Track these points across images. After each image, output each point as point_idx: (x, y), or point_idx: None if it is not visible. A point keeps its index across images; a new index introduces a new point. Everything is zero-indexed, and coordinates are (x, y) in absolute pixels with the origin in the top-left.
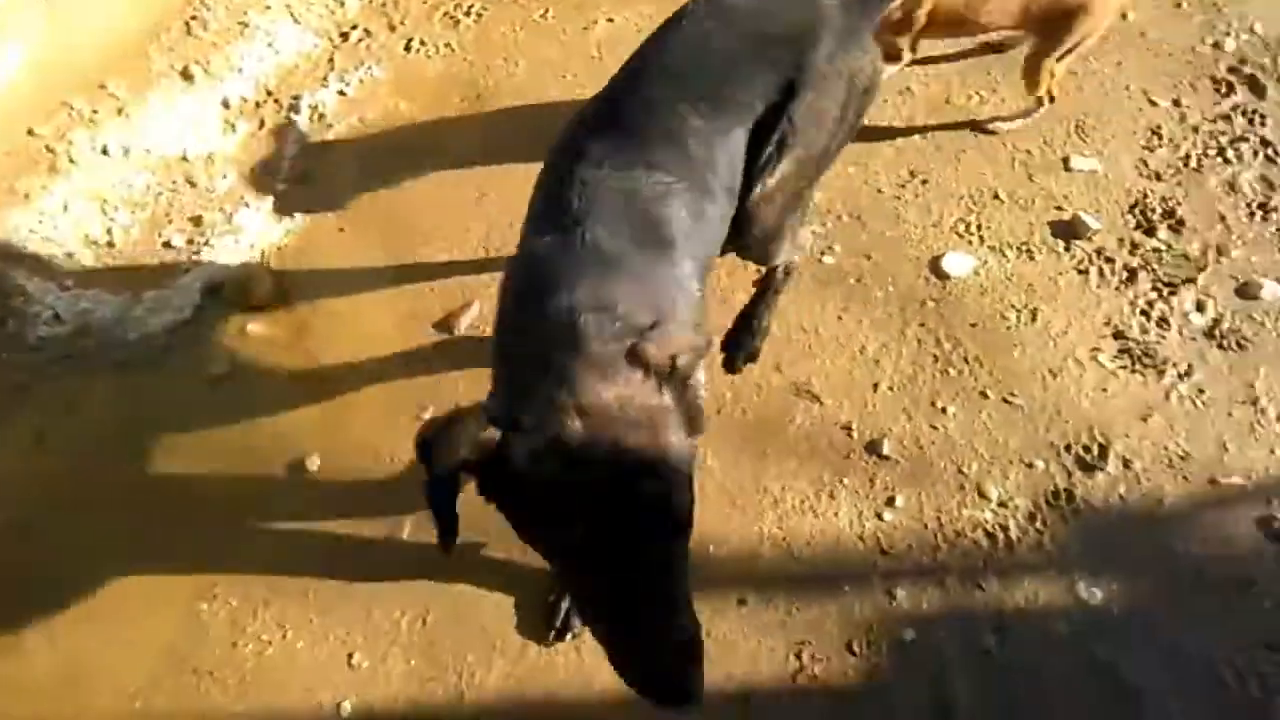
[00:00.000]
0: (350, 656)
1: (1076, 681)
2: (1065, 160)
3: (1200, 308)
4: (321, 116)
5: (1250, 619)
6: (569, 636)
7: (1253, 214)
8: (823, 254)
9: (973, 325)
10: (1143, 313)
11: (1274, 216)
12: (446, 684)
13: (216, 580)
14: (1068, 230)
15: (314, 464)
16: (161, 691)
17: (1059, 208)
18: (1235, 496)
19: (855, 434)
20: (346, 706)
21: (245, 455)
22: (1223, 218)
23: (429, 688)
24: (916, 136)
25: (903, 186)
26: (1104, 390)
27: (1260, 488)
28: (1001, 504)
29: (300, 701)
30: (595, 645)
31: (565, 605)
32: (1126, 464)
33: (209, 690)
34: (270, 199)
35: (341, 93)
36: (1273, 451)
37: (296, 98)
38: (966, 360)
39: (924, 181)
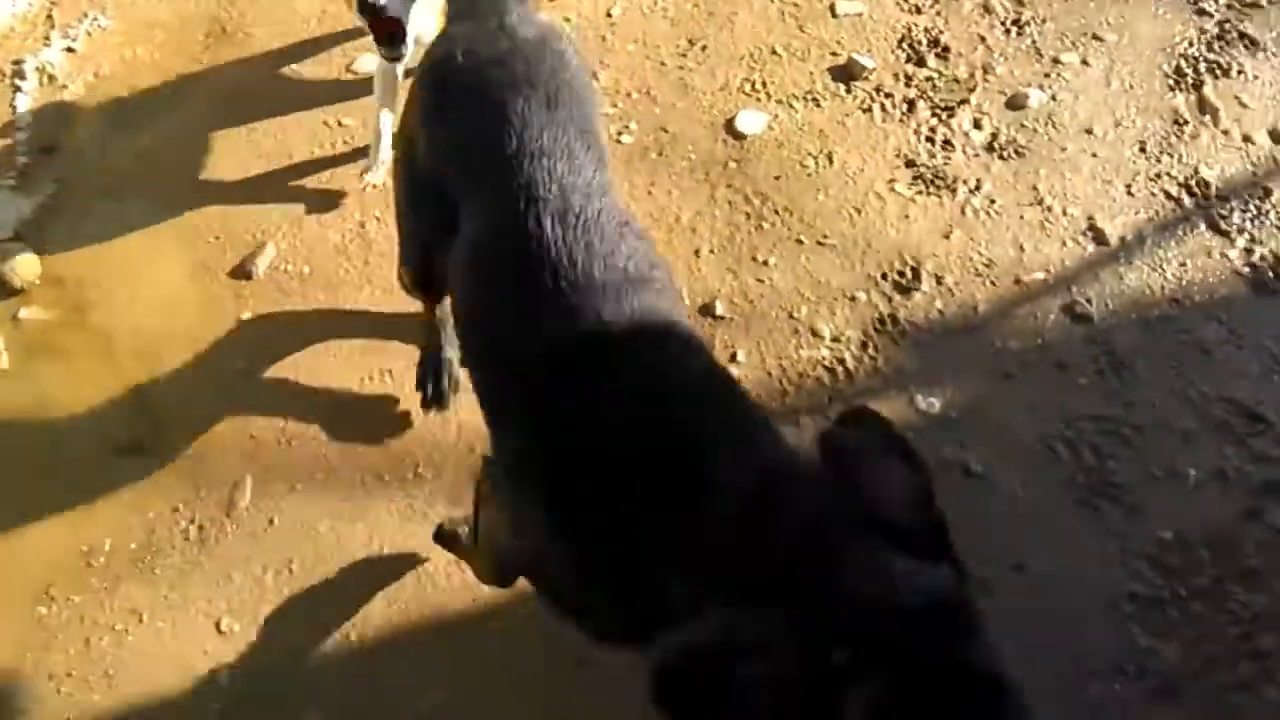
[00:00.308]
0: (218, 624)
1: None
2: (831, 7)
3: (978, 125)
4: (52, 78)
5: (1072, 397)
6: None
7: (1008, 30)
8: (620, 134)
9: (776, 178)
10: (928, 139)
11: (1027, 30)
12: (330, 630)
13: (50, 580)
14: (845, 73)
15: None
16: (16, 710)
17: (834, 53)
18: (1040, 290)
19: (688, 301)
20: (225, 674)
21: (53, 448)
22: (982, 39)
23: (312, 637)
24: (687, 5)
25: (684, 56)
26: (906, 217)
27: (1060, 278)
28: (835, 339)
29: (177, 681)
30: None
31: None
32: (939, 280)
33: (73, 693)
34: (14, 175)
35: (69, 49)
36: (1064, 244)
37: (19, 63)
38: (777, 212)
39: (703, 48)
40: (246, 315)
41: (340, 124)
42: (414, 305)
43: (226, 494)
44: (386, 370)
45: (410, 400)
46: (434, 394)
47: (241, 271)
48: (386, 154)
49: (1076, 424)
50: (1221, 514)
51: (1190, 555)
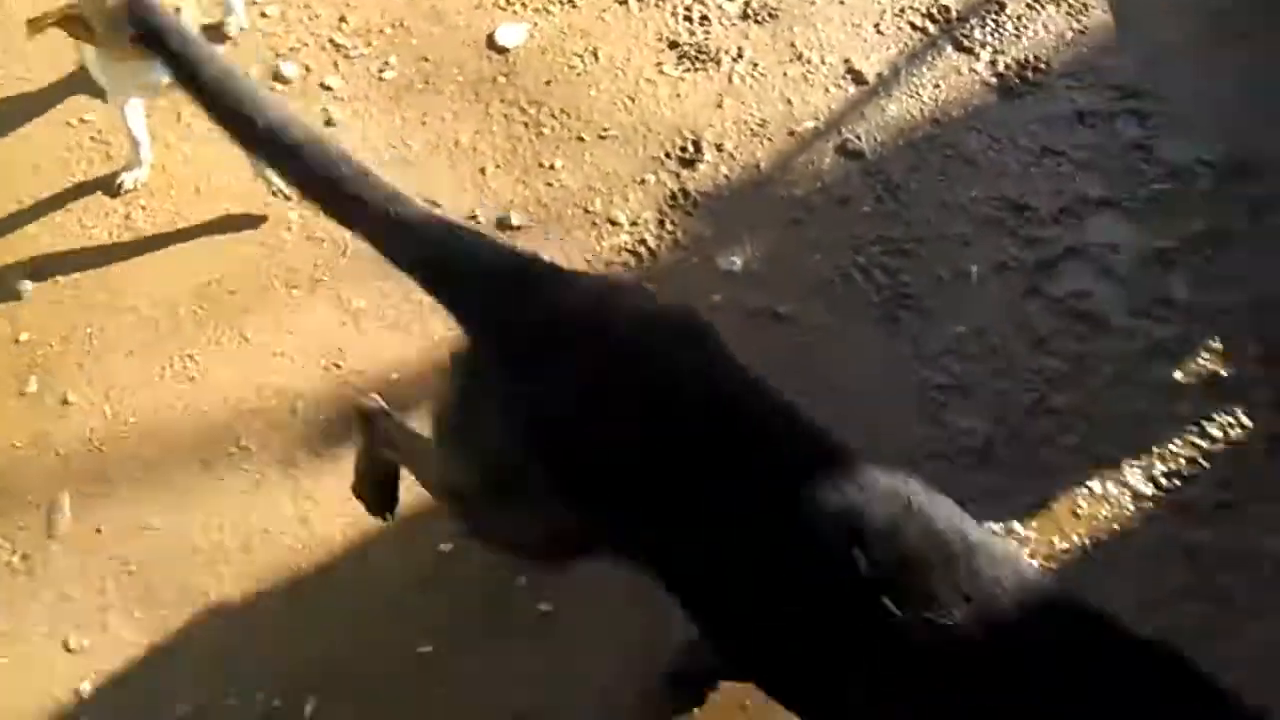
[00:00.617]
0: (66, 643)
1: (745, 331)
2: None
3: None
4: None
5: (857, 227)
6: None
7: None
8: (381, 72)
9: (547, 83)
10: (685, 19)
11: None
12: (183, 617)
13: None
14: None
15: None
16: None
17: None
18: (813, 137)
19: (482, 219)
20: (86, 688)
21: None
22: None
23: (166, 629)
24: None
25: None
26: (678, 95)
27: (829, 122)
28: (633, 224)
29: (37, 709)
30: (317, 512)
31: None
32: (719, 148)
33: None
34: None
35: None
36: (828, 90)
37: None
38: (554, 115)
39: None
40: (25, 336)
41: (83, 120)
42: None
43: (43, 517)
44: (186, 355)
45: (212, 383)
46: (389, 507)
47: (10, 294)
48: (147, 153)
49: (866, 250)
50: (1006, 298)
51: (985, 340)
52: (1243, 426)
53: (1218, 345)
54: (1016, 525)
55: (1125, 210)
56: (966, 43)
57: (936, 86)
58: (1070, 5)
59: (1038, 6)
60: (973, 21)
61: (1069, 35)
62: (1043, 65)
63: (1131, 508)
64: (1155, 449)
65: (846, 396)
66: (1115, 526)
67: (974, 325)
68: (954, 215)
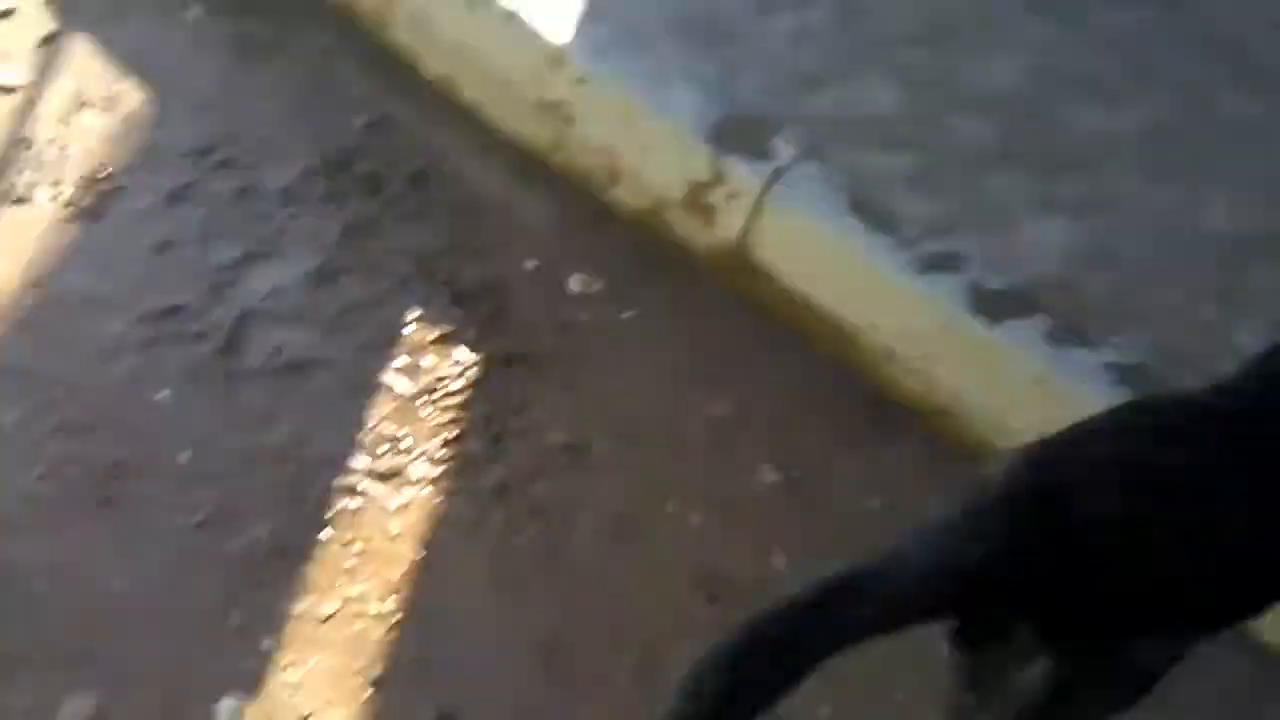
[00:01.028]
0: None
1: None
2: None
3: None
4: None
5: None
6: None
7: None
8: None
9: None
10: None
11: None
12: None
13: None
14: None
15: None
16: None
17: None
18: None
19: None
20: None
21: None
22: None
23: None
24: None
25: None
26: None
27: None
28: None
29: None
30: None
31: None
32: None
33: None
34: None
35: None
36: None
37: None
38: None
39: None
40: None
41: None
42: None
43: None
44: None
45: None
46: None
47: None
48: None
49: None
50: (215, 400)
51: (187, 452)
52: (474, 363)
53: (417, 311)
54: (369, 602)
55: (266, 254)
56: (20, 192)
57: (18, 248)
58: (100, 102)
59: (67, 121)
60: (10, 171)
61: (112, 132)
62: (108, 170)
63: (442, 495)
64: (420, 432)
65: (122, 602)
66: (445, 529)
67: (185, 446)
68: (96, 366)
